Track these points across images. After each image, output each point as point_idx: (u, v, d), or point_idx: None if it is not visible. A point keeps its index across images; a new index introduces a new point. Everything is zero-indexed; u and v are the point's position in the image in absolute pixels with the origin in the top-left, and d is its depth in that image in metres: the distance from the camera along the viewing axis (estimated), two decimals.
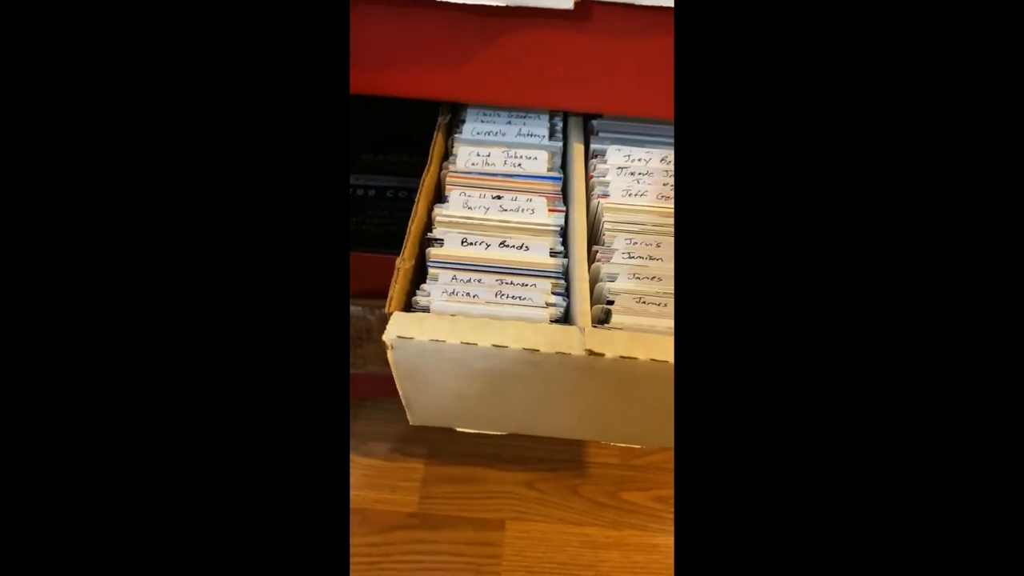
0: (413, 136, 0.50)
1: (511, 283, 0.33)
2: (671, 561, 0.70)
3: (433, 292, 0.33)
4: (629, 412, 0.34)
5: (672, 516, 0.73)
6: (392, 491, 0.71)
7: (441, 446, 0.74)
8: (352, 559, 0.66)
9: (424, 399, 0.35)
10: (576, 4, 0.31)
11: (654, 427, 0.36)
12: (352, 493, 0.70)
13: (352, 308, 0.60)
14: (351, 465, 0.73)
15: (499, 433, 0.40)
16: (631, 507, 0.72)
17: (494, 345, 0.29)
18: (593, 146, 0.42)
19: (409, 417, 0.38)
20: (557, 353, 0.29)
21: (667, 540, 0.71)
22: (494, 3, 0.31)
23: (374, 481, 0.71)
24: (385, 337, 0.29)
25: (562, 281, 0.35)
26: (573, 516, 0.71)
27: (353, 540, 0.67)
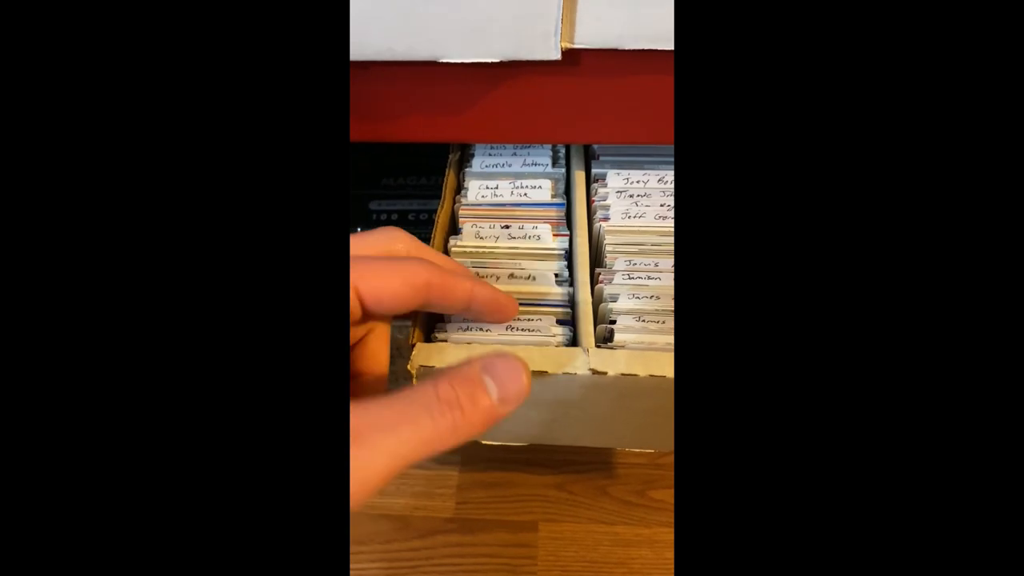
0: (430, 159, 0.53)
1: (518, 318, 0.36)
2: None
3: (449, 328, 0.36)
4: (636, 422, 0.37)
5: None
6: (430, 498, 0.75)
7: (474, 453, 0.77)
8: (395, 564, 0.70)
9: None
10: (563, 53, 0.34)
11: (662, 434, 0.38)
12: (392, 501, 0.74)
13: None
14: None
15: (521, 444, 0.43)
16: (660, 505, 0.74)
17: None
18: (594, 171, 0.45)
19: None
20: (564, 374, 0.32)
21: None
22: (487, 60, 0.34)
23: (412, 489, 0.75)
24: (410, 366, 0.33)
25: (568, 310, 0.38)
26: (604, 516, 0.73)
27: (395, 545, 0.71)
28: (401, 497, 0.76)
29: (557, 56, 0.34)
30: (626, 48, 0.34)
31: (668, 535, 0.74)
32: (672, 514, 0.74)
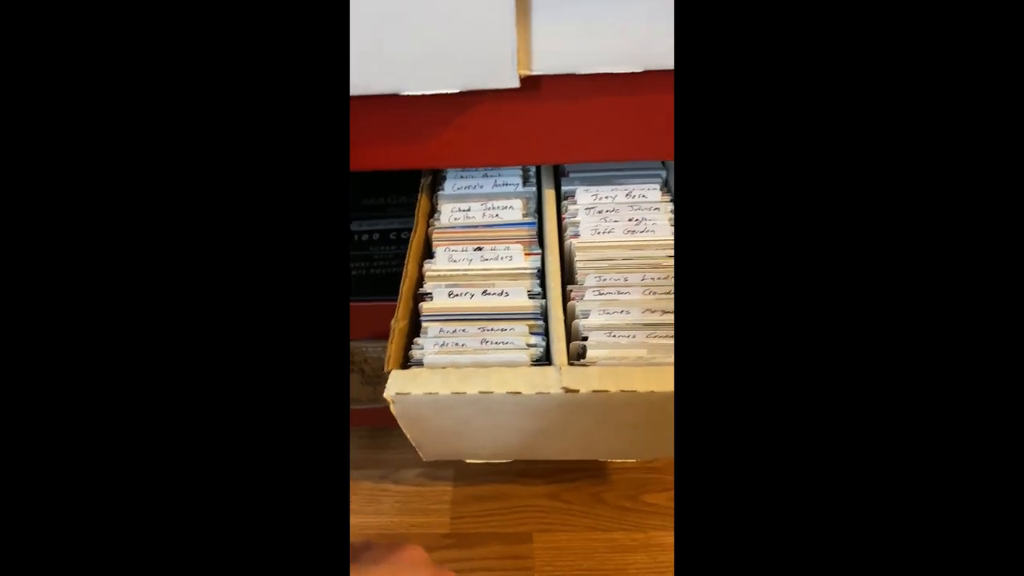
0: (409, 178, 0.54)
1: (492, 329, 0.37)
2: None
3: (426, 346, 0.37)
4: (614, 435, 0.38)
5: None
6: (425, 514, 0.75)
7: (467, 467, 0.78)
8: None
9: (430, 440, 0.39)
10: (522, 79, 0.35)
11: (641, 445, 0.39)
12: (387, 519, 0.75)
13: (374, 349, 0.65)
14: (385, 494, 0.77)
15: (505, 460, 0.43)
16: (654, 509, 0.75)
17: (481, 392, 0.33)
18: (564, 188, 0.46)
19: (421, 455, 0.42)
20: (537, 393, 0.33)
21: None
22: (449, 91, 0.35)
23: (407, 506, 0.75)
24: (386, 394, 0.34)
25: (540, 322, 0.38)
26: (599, 522, 0.74)
27: None
28: (396, 515, 0.76)
29: (516, 84, 0.34)
30: (583, 72, 0.35)
31: (663, 538, 0.74)
32: (667, 517, 0.75)
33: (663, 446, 0.39)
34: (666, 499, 0.76)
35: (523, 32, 0.33)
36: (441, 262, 0.42)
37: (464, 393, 0.33)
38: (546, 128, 0.39)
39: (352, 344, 0.63)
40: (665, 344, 0.36)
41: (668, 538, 0.73)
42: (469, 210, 0.45)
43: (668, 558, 0.72)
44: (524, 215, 0.45)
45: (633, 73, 0.35)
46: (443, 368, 0.34)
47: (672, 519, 0.74)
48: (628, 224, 0.42)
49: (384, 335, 0.52)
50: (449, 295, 0.40)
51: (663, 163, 0.47)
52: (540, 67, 0.35)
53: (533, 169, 0.48)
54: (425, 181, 0.48)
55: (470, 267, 0.42)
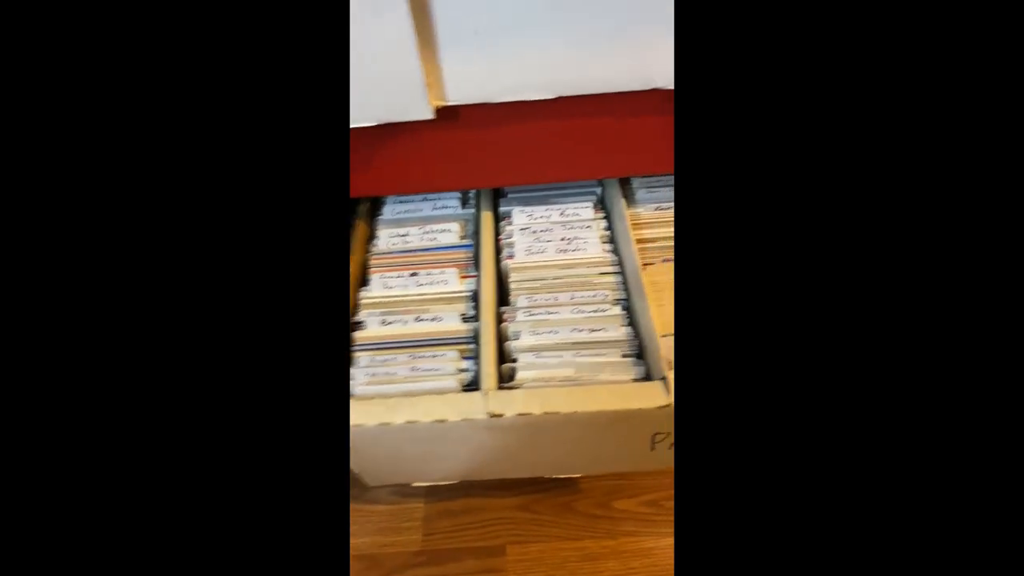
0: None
1: (422, 356, 0.38)
2: (666, 562, 0.73)
3: (356, 376, 0.37)
4: (547, 452, 0.38)
5: (663, 518, 0.76)
6: (397, 533, 0.75)
7: (439, 483, 0.78)
8: None
9: (369, 467, 0.39)
10: (438, 110, 0.35)
11: (575, 461, 0.39)
12: (359, 540, 0.75)
13: None
14: (357, 515, 0.77)
15: (451, 482, 0.44)
16: (624, 515, 0.75)
17: (407, 422, 0.33)
18: (501, 208, 0.47)
19: (366, 481, 0.43)
20: (463, 420, 0.33)
21: (660, 542, 0.74)
22: (365, 124, 0.35)
23: (379, 526, 0.75)
24: None
25: (472, 346, 0.39)
26: (570, 531, 0.74)
27: None
28: (368, 535, 0.76)
29: (430, 115, 0.35)
30: (497, 101, 0.35)
31: (633, 544, 0.75)
32: (639, 523, 0.75)
33: (601, 461, 0.39)
34: (636, 504, 0.76)
35: (432, 65, 0.34)
36: (376, 289, 0.42)
37: (390, 424, 0.33)
38: (469, 154, 0.39)
39: None
40: (591, 362, 0.36)
41: (640, 543, 0.73)
42: (407, 235, 0.45)
43: (640, 563, 0.73)
44: (461, 237, 0.45)
45: (546, 100, 0.35)
46: (370, 399, 0.35)
47: (642, 525, 0.75)
48: (560, 243, 0.43)
49: None
50: (383, 323, 0.40)
51: (600, 181, 0.48)
52: (455, 97, 0.35)
53: (472, 192, 0.49)
54: (363, 207, 0.48)
55: (405, 293, 0.42)
